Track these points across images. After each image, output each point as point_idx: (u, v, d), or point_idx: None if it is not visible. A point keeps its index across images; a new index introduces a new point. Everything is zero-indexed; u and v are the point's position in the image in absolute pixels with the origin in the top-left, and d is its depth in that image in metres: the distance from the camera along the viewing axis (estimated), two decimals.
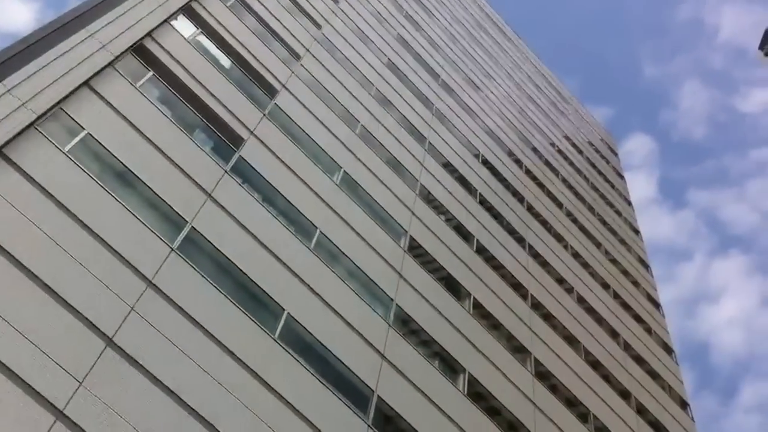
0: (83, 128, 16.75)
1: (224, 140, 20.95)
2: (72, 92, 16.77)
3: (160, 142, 18.39)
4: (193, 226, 17.57)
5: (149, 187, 17.24)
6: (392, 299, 22.86)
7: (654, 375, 37.26)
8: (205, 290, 16.73)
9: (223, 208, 18.85)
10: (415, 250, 26.38)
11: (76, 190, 15.55)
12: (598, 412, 29.28)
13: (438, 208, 30.47)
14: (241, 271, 18.03)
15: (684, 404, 37.68)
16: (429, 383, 21.47)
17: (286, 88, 25.78)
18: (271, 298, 18.30)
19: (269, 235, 19.76)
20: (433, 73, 42.08)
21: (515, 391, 25.33)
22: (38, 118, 15.56)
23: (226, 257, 17.93)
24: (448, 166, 34.42)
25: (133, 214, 16.27)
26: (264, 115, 23.38)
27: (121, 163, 17.09)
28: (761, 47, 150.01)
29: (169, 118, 19.38)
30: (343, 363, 18.98)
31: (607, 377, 32.67)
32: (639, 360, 37.10)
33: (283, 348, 17.51)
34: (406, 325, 22.90)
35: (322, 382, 17.85)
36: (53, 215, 14.75)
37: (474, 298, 27.55)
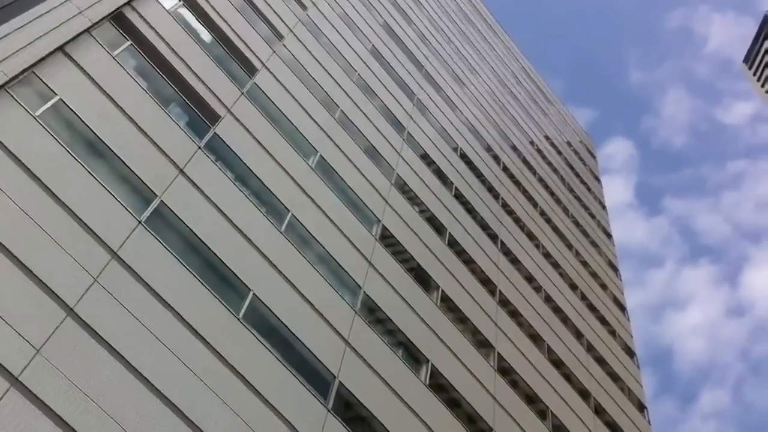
0: (55, 94, 16.48)
1: (200, 116, 20.72)
2: (46, 56, 16.46)
3: (133, 113, 18.14)
4: (162, 201, 17.38)
5: (119, 158, 17.01)
6: (360, 287, 22.82)
7: (614, 377, 37.64)
8: (170, 265, 16.57)
9: (194, 184, 18.66)
10: (387, 239, 26.34)
11: (44, 156, 15.30)
12: (556, 410, 29.51)
13: (413, 199, 30.44)
14: (209, 248, 17.88)
15: (642, 407, 38.12)
16: (391, 372, 21.48)
17: (267, 68, 25.56)
18: (237, 277, 18.17)
19: (240, 214, 19.61)
20: (417, 64, 41.98)
21: (477, 385, 25.45)
22: (10, 80, 15.27)
23: (194, 234, 17.76)
24: (425, 157, 34.38)
25: (102, 184, 16.05)
26: (242, 93, 23.17)
27: (93, 131, 16.84)
28: (746, 60, 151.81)
29: (144, 90, 19.12)
30: (306, 347, 18.92)
31: (569, 376, 32.94)
32: (601, 361, 37.44)
33: (247, 328, 17.40)
34: (372, 314, 22.88)
35: (284, 365, 17.78)
36: (19, 180, 14.50)
37: (442, 290, 27.60)
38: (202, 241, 17.80)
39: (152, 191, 17.27)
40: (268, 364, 17.49)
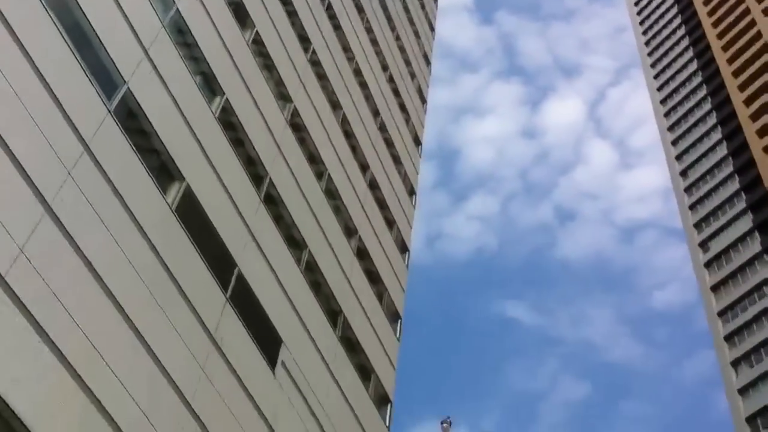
0: None
1: None
2: None
3: None
4: None
5: None
6: (175, 3, 22.05)
7: (396, 159, 40.17)
8: None
9: None
10: None
11: None
12: (334, 173, 31.29)
13: None
14: None
15: (412, 192, 41.38)
16: (184, 96, 21.45)
17: None
18: None
19: None
20: None
21: (265, 131, 26.17)
22: None
23: None
24: None
25: None
26: None
27: None
28: None
29: None
30: (103, 46, 18.31)
31: (354, 148, 34.70)
32: (388, 143, 39.62)
33: (46, 10, 16.50)
34: (181, 35, 22.35)
35: (75, 56, 17.22)
36: None
37: (257, 31, 27.33)
38: None
39: None
40: (60, 52, 16.87)
